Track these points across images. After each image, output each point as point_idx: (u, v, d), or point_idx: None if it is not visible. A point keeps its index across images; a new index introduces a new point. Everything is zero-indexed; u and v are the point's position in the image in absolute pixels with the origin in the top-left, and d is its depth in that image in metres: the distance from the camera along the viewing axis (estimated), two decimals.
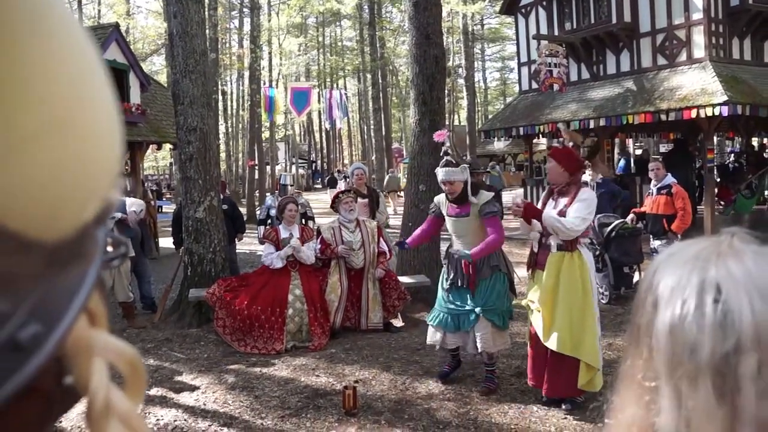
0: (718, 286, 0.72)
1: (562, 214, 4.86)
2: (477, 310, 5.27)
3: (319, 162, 55.82)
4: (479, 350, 5.34)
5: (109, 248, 0.43)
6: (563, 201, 4.95)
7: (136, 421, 0.38)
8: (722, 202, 16.22)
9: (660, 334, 0.75)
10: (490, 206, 5.34)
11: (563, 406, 5.01)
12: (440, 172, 5.38)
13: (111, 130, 0.37)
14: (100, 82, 0.37)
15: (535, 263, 5.16)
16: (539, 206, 5.14)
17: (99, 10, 36.64)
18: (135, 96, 14.31)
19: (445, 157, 5.39)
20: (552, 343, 4.84)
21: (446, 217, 5.57)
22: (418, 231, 6.01)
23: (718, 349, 0.70)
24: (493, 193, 5.67)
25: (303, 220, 9.24)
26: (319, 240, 7.50)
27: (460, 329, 5.40)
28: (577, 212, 4.79)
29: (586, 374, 4.84)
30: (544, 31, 16.21)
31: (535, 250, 5.19)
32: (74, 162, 0.34)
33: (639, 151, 28.49)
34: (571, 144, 5.16)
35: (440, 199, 5.65)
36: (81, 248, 0.36)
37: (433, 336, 5.61)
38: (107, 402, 0.36)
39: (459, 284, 5.40)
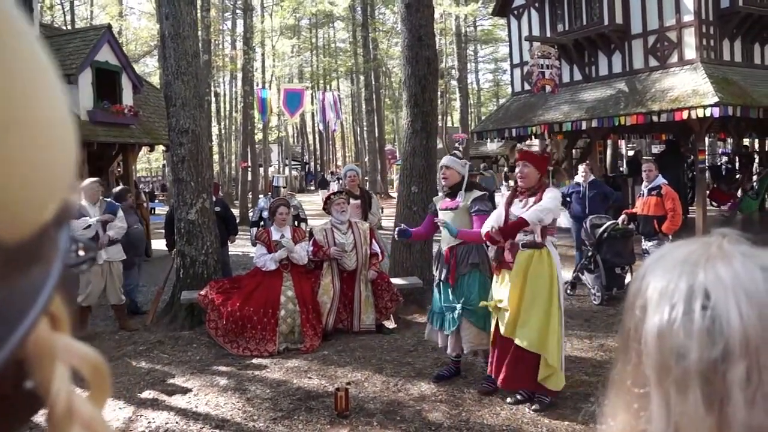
0: (707, 291, 0.71)
1: None
2: (458, 306, 5.40)
3: (312, 163, 55.77)
4: (465, 351, 5.48)
5: (80, 252, 0.43)
6: (532, 200, 5.01)
7: (100, 427, 0.38)
8: (714, 203, 16.33)
9: (648, 340, 0.74)
10: (482, 204, 5.49)
11: (531, 407, 5.05)
12: (444, 159, 5.74)
13: (66, 132, 0.38)
14: (55, 85, 0.37)
15: (501, 263, 5.17)
16: (504, 207, 5.18)
17: (92, 11, 36.58)
18: (127, 97, 14.28)
19: (454, 150, 5.76)
20: (519, 340, 4.89)
21: (438, 212, 5.71)
22: (419, 227, 6.20)
23: (707, 356, 0.69)
24: (486, 192, 5.80)
25: (296, 222, 9.22)
26: (311, 242, 7.49)
27: (449, 329, 5.53)
28: (546, 202, 4.89)
29: (545, 369, 4.90)
30: (536, 32, 16.25)
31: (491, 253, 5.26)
32: (32, 162, 0.34)
33: (631, 152, 28.59)
34: (549, 149, 5.25)
35: (437, 197, 5.93)
36: (41, 250, 0.36)
37: (435, 338, 5.85)
38: (69, 407, 0.36)
39: (441, 278, 5.60)
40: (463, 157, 5.80)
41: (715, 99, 11.56)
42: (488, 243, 5.14)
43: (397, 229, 6.06)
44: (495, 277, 5.23)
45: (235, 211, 15.63)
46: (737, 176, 19.07)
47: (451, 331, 5.50)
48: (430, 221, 5.95)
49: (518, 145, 5.48)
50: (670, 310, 0.72)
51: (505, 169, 18.75)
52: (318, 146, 55.85)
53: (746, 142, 25.82)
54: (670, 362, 0.71)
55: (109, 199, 8.20)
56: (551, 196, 4.92)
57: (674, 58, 13.50)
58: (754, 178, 16.61)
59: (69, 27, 32.56)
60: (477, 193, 5.57)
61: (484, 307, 5.26)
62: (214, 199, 8.80)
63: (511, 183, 5.28)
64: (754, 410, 0.67)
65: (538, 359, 4.89)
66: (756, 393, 0.67)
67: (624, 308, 0.80)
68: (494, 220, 5.08)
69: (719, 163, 23.16)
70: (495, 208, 6.09)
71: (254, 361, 6.58)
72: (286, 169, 48.00)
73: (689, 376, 0.70)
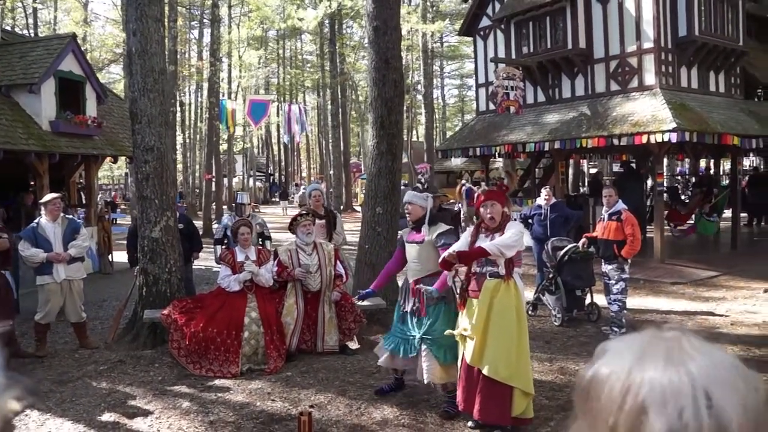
0: (707, 391, 0.76)
1: None
2: (417, 335, 5.48)
3: (277, 175, 55.55)
4: (425, 381, 5.49)
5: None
6: (497, 236, 5.08)
7: None
8: (671, 224, 16.69)
9: None
10: (448, 238, 5.57)
11: (472, 422, 5.12)
12: (406, 194, 5.85)
13: None
14: None
15: (467, 292, 5.24)
16: (469, 241, 5.24)
17: (55, 16, 36.02)
18: (91, 108, 14.11)
19: (416, 184, 5.86)
20: (485, 369, 4.94)
21: (405, 244, 5.80)
22: (385, 269, 6.30)
23: None
24: (452, 227, 5.87)
25: (260, 240, 9.20)
26: (275, 262, 7.50)
27: (406, 355, 5.61)
28: (510, 231, 5.01)
29: (521, 402, 4.95)
30: (501, 53, 16.52)
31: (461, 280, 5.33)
32: None
33: (593, 170, 29.15)
34: (506, 181, 5.33)
35: (405, 230, 5.98)
36: None
37: (381, 356, 5.91)
38: None
39: (408, 309, 5.68)
40: (424, 190, 5.89)
41: (673, 125, 11.90)
42: (444, 268, 5.21)
43: (358, 296, 6.45)
44: (461, 307, 5.29)
45: (198, 223, 15.52)
46: (683, 198, 19.53)
47: (410, 356, 5.55)
48: (397, 258, 6.10)
49: (475, 189, 5.50)
50: (680, 412, 0.75)
51: (468, 184, 19.08)
52: (283, 157, 55.69)
53: (702, 163, 26.55)
54: None
55: (71, 216, 8.10)
56: (513, 231, 5.01)
57: (634, 83, 13.86)
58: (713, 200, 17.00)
59: (31, 31, 32.06)
60: (442, 227, 5.67)
61: (446, 339, 5.32)
62: (177, 215, 8.73)
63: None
64: None
65: (508, 391, 4.93)
66: None
67: (601, 400, 0.80)
68: (456, 248, 5.17)
69: (675, 185, 23.70)
70: (459, 228, 6.20)
71: (217, 382, 6.55)
72: (251, 180, 47.73)
73: None
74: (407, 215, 5.80)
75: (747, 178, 21.24)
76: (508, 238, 4.93)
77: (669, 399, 0.76)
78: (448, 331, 5.29)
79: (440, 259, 5.12)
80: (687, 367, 0.78)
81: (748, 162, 29.58)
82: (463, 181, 21.77)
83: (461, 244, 5.23)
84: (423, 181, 5.97)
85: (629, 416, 0.77)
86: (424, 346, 5.41)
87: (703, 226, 16.11)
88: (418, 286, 5.49)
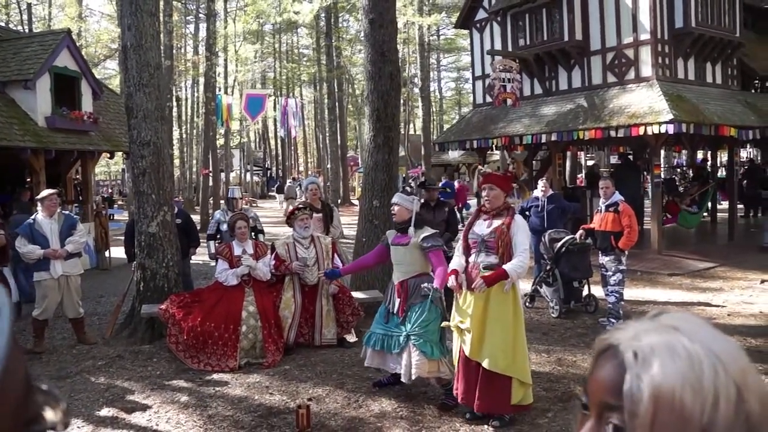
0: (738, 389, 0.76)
1: (499, 230, 5.11)
2: (404, 332, 5.50)
3: (274, 169, 55.51)
4: (413, 377, 5.47)
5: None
6: (497, 222, 5.16)
7: None
8: (668, 216, 16.68)
9: None
10: (434, 240, 5.63)
11: (491, 423, 5.15)
12: (394, 196, 5.93)
13: None
14: None
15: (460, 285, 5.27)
16: (466, 229, 5.36)
17: (50, 12, 35.82)
18: (87, 104, 14.07)
19: (404, 186, 5.93)
20: (485, 362, 4.99)
21: (390, 246, 5.86)
22: (360, 258, 6.55)
23: None
24: (436, 230, 5.90)
25: (253, 234, 9.19)
26: (273, 256, 7.50)
27: (386, 350, 5.63)
28: (522, 244, 5.08)
29: (519, 391, 5.03)
30: (498, 45, 16.49)
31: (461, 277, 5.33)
32: None
33: (590, 162, 29.12)
34: (512, 168, 5.42)
35: (390, 231, 6.04)
36: None
37: (366, 356, 5.89)
38: None
39: (392, 309, 5.73)
40: (411, 193, 5.91)
41: (670, 116, 11.89)
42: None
43: (324, 272, 6.85)
44: (456, 299, 5.31)
45: (196, 218, 15.51)
46: (681, 189, 19.49)
47: (396, 352, 5.56)
48: (376, 252, 6.18)
49: (480, 168, 5.60)
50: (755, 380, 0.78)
51: (467, 179, 19.06)
52: (280, 152, 55.63)
53: (700, 155, 26.54)
54: None
55: (67, 212, 8.08)
56: (522, 242, 5.07)
57: (631, 75, 13.84)
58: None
59: (26, 27, 31.92)
60: (428, 231, 5.69)
61: (433, 335, 5.37)
62: (175, 210, 8.73)
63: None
64: None
65: (508, 381, 5.00)
66: None
67: (685, 410, 0.75)
68: (457, 263, 5.28)
69: (673, 176, 23.68)
70: (457, 220, 6.24)
71: (215, 376, 6.57)
72: (248, 175, 47.71)
73: None
74: (393, 216, 5.86)
75: (743, 169, 21.22)
76: (523, 260, 5.02)
77: (747, 372, 0.76)
78: (444, 323, 5.32)
79: (472, 286, 5.08)
80: (721, 336, 0.79)
81: (744, 153, 29.59)
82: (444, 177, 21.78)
83: (459, 260, 5.32)
84: (413, 185, 6.00)
85: (728, 406, 0.75)
86: (411, 343, 5.42)
87: (683, 218, 16.03)
88: (424, 285, 5.50)
